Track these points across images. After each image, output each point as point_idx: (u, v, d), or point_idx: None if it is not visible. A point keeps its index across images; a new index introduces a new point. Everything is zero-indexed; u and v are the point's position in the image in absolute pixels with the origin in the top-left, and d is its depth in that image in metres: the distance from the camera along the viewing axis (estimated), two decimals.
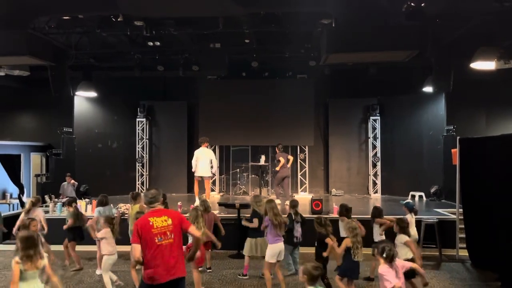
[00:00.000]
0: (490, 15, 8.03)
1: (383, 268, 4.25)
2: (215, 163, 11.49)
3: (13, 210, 12.42)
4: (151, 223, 4.03)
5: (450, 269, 7.71)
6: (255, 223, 6.84)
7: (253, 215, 6.99)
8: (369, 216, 7.19)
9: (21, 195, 12.90)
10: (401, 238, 5.84)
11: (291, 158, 11.97)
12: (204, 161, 10.68)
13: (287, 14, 9.21)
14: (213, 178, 14.10)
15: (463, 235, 8.36)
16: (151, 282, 4.00)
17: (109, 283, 6.26)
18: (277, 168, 11.84)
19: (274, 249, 6.19)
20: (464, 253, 8.26)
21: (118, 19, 8.89)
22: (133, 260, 4.05)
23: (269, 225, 6.26)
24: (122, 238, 7.54)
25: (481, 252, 7.61)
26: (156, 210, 4.17)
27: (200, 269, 7.44)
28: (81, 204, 9.84)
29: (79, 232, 7.77)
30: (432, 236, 8.46)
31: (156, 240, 4.00)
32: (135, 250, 3.99)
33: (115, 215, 7.97)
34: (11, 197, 13.54)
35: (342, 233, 6.82)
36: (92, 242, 7.41)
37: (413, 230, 7.23)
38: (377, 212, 6.89)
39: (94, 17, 9.48)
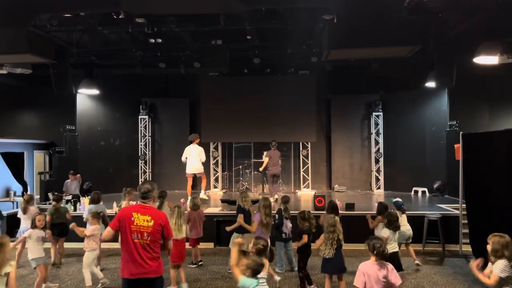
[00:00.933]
0: (493, 10, 7.98)
1: (364, 265, 4.21)
2: (203, 159, 11.40)
3: (17, 208, 12.45)
4: (132, 218, 4.02)
5: (454, 264, 7.72)
6: (240, 219, 6.81)
7: (238, 210, 6.99)
8: (372, 212, 7.21)
9: (24, 193, 12.95)
10: (383, 232, 5.99)
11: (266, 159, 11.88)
12: (194, 158, 10.72)
13: (288, 10, 9.17)
14: (216, 175, 14.12)
15: (466, 231, 8.34)
16: (123, 275, 4.04)
17: (89, 279, 6.30)
18: (260, 169, 11.77)
19: None
20: (467, 248, 8.25)
21: (120, 17, 8.86)
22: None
23: (259, 222, 6.30)
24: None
25: (485, 247, 7.57)
26: (143, 206, 4.12)
27: (193, 265, 7.53)
28: (84, 201, 9.88)
29: (61, 228, 7.78)
30: (435, 232, 8.47)
31: (132, 237, 4.00)
32: (107, 232, 4.08)
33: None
34: (14, 195, 13.59)
35: None
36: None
37: (405, 227, 7.27)
38: (382, 208, 6.87)
39: (95, 15, 9.47)
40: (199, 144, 11.00)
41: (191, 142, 10.93)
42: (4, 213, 8.93)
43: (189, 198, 8.09)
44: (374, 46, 8.21)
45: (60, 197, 8.35)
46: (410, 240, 7.42)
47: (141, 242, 4.00)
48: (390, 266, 4.18)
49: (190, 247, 7.57)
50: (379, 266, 4.12)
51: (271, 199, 11.19)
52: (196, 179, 11.90)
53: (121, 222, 4.03)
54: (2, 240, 4.16)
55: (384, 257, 4.15)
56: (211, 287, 6.55)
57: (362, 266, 4.20)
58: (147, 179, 14.46)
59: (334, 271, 5.66)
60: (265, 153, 11.89)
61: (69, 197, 10.47)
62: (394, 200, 7.65)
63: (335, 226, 5.52)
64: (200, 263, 7.70)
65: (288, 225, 6.94)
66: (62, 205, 9.69)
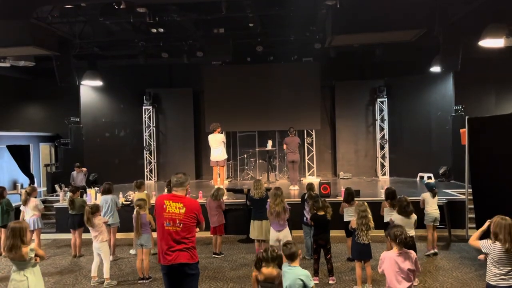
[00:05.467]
0: None
1: (386, 253, 4.20)
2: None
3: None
4: (164, 206, 4.07)
5: (460, 249, 7.72)
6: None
7: (247, 198, 7.06)
8: (377, 199, 7.21)
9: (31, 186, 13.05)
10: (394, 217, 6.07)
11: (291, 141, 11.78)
12: (215, 147, 10.81)
13: None
14: (226, 161, 14.13)
15: (472, 215, 8.32)
16: (159, 262, 4.15)
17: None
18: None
19: (273, 234, 6.37)
20: (473, 233, 8.22)
21: (121, 7, 8.80)
22: None
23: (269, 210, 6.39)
24: (128, 225, 7.66)
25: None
26: (175, 195, 4.16)
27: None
28: (91, 192, 9.95)
29: (78, 219, 7.82)
30: (441, 217, 8.40)
31: (165, 224, 4.05)
32: (153, 222, 4.33)
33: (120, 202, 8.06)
34: (21, 187, 13.71)
35: (346, 218, 6.83)
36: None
37: (430, 208, 7.36)
38: (390, 194, 6.86)
39: (96, 5, 9.42)
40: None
41: (212, 132, 10.95)
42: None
43: (216, 187, 8.22)
44: (378, 30, 8.13)
45: (76, 188, 8.34)
46: (437, 223, 7.45)
47: (173, 230, 4.02)
48: (413, 254, 4.11)
49: (211, 235, 7.77)
50: (403, 257, 4.05)
51: (291, 188, 11.26)
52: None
53: (156, 210, 4.15)
54: (21, 225, 4.29)
55: (407, 244, 4.09)
56: (219, 275, 6.59)
57: (383, 255, 4.17)
58: (153, 169, 14.54)
59: (363, 257, 5.71)
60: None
61: None
62: (426, 181, 7.82)
63: (366, 211, 5.61)
64: (214, 255, 7.72)
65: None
66: (68, 196, 9.81)
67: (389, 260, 4.09)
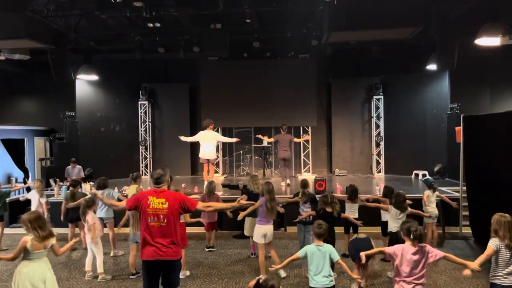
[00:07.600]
0: None
1: (397, 247, 4.04)
2: (226, 140, 11.43)
3: (18, 194, 12.51)
4: (148, 202, 4.06)
5: (453, 246, 7.77)
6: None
7: (244, 192, 7.04)
8: (372, 196, 7.21)
9: (26, 180, 12.99)
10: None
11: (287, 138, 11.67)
12: (206, 144, 10.39)
13: None
14: (217, 160, 14.14)
15: (466, 213, 8.38)
16: (142, 257, 4.13)
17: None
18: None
19: (260, 230, 6.06)
20: (467, 230, 8.30)
21: (117, 0, 8.75)
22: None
23: (262, 206, 6.08)
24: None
25: (484, 229, 7.61)
26: (158, 190, 4.15)
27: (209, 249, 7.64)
28: (86, 187, 9.92)
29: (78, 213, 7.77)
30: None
31: (149, 220, 4.05)
32: (121, 204, 4.40)
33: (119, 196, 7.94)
34: (16, 181, 13.62)
35: (348, 213, 6.84)
36: None
37: (431, 206, 7.41)
38: (388, 192, 6.86)
39: None
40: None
41: (205, 128, 10.73)
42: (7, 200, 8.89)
43: (205, 183, 8.13)
44: (375, 28, 8.14)
45: (77, 182, 8.26)
46: (435, 220, 7.47)
47: (157, 225, 4.03)
48: (427, 247, 3.96)
49: (205, 231, 7.81)
50: (418, 252, 3.91)
51: (283, 184, 11.22)
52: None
53: (139, 204, 4.11)
54: (37, 214, 4.37)
55: (422, 240, 3.97)
56: (213, 271, 6.61)
57: (401, 246, 4.03)
58: (148, 164, 14.51)
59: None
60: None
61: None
62: (424, 178, 7.89)
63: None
64: (209, 249, 7.74)
65: (304, 209, 6.85)
66: (63, 191, 9.79)
67: (404, 254, 3.96)
